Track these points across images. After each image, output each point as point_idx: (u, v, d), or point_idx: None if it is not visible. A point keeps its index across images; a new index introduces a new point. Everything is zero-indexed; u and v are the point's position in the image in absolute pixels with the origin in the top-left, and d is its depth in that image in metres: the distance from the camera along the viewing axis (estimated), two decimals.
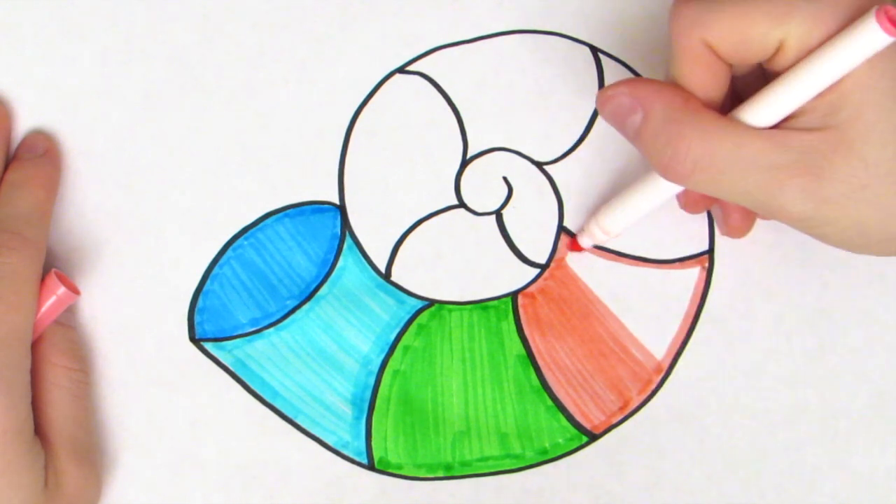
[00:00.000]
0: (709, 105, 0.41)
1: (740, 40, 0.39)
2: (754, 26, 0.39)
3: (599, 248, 0.47)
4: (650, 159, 0.40)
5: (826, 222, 0.39)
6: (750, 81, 0.42)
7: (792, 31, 0.38)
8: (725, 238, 0.47)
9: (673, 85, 0.41)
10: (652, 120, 0.40)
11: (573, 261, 0.47)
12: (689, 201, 0.46)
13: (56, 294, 0.44)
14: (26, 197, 0.45)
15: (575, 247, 0.47)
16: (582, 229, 0.47)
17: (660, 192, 0.44)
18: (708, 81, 0.40)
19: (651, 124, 0.40)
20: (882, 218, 0.39)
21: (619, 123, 0.41)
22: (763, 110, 0.39)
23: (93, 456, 0.45)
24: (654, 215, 0.47)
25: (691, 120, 0.39)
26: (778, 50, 0.39)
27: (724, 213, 0.45)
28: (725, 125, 0.39)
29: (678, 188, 0.43)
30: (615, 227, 0.45)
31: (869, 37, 0.37)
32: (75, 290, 0.44)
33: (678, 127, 0.39)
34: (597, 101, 0.42)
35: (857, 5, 0.38)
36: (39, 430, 0.44)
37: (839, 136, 0.38)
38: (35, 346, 0.44)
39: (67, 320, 0.46)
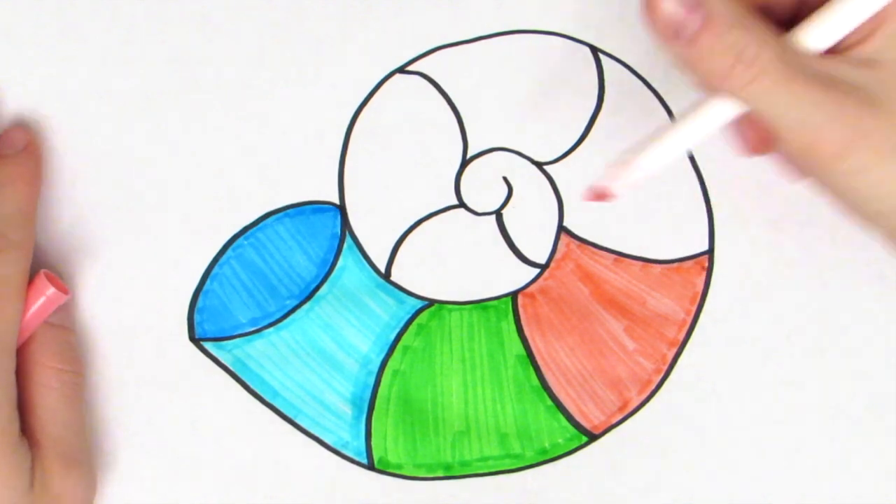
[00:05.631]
0: (773, 8, 0.39)
1: None
2: None
3: (599, 248, 0.47)
4: (704, 68, 0.38)
5: (861, 169, 0.38)
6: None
7: None
8: (725, 238, 0.47)
9: None
10: (715, 24, 0.38)
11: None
12: (755, 137, 0.41)
13: (45, 295, 0.44)
14: (9, 197, 0.44)
15: (598, 195, 0.40)
16: (609, 168, 0.41)
17: (708, 120, 0.40)
18: None
19: (714, 28, 0.38)
20: None
21: (671, 32, 0.38)
22: (818, 30, 0.38)
23: (83, 458, 0.44)
24: (653, 216, 0.47)
25: (758, 25, 0.38)
26: None
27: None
28: (789, 37, 0.38)
29: (728, 117, 0.40)
30: (651, 164, 0.40)
31: None
32: (65, 291, 0.44)
33: (746, 29, 0.38)
34: (644, 12, 0.39)
35: None
36: (29, 431, 0.43)
37: (892, 73, 0.37)
38: (25, 347, 0.44)
39: (64, 321, 0.46)
